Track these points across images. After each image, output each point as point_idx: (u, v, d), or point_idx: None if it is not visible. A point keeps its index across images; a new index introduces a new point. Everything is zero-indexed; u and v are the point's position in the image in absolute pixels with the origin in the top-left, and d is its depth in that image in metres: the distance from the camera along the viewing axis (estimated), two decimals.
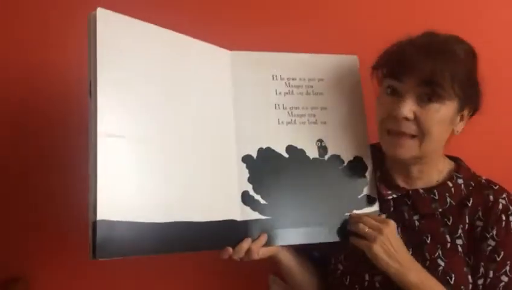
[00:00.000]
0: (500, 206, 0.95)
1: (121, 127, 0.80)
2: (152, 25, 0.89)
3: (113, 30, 0.82)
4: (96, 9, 0.80)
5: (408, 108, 0.90)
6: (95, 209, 0.74)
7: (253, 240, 0.93)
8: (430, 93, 0.90)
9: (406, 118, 0.90)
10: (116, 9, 0.84)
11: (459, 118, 0.95)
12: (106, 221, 0.75)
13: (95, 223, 0.74)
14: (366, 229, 0.92)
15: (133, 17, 0.87)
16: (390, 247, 0.89)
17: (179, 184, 0.87)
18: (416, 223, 0.97)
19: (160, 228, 0.82)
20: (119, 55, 0.82)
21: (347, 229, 0.97)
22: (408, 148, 0.93)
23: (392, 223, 0.92)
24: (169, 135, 0.88)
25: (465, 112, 0.96)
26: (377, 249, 0.89)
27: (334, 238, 0.99)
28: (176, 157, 0.88)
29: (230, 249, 0.90)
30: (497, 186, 0.98)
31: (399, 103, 0.91)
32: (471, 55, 0.94)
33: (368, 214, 0.98)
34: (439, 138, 0.94)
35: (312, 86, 1.05)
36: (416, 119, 0.91)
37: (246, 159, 0.97)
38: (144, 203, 0.81)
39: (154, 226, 0.81)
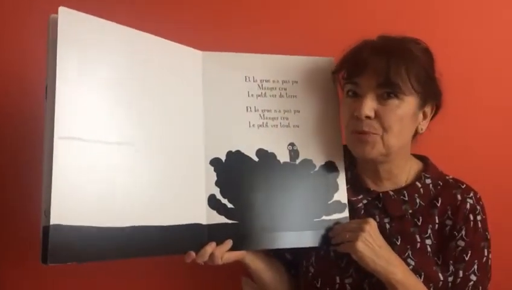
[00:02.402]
0: (468, 206, 0.97)
1: (77, 130, 0.79)
2: (119, 24, 0.88)
3: (75, 30, 0.81)
4: (58, 9, 0.79)
5: (368, 107, 0.91)
6: (47, 213, 0.74)
7: (218, 245, 0.92)
8: (388, 91, 0.91)
9: (368, 117, 0.91)
10: (82, 9, 0.83)
11: (421, 115, 0.96)
12: (59, 225, 0.74)
13: (47, 227, 0.74)
14: (348, 235, 0.92)
15: (100, 17, 0.85)
16: (373, 243, 0.90)
17: (141, 188, 0.86)
18: (387, 225, 0.98)
19: (117, 233, 0.81)
20: (80, 56, 0.81)
21: (327, 238, 0.97)
22: (373, 145, 0.93)
23: (372, 221, 0.93)
24: (133, 137, 0.87)
25: (427, 110, 0.97)
26: (361, 246, 0.89)
27: (302, 244, 0.98)
28: (139, 159, 0.87)
29: (193, 253, 0.89)
30: (464, 185, 1.00)
31: (359, 103, 0.92)
32: (427, 53, 0.96)
33: (348, 222, 0.98)
34: (402, 134, 0.94)
35: (286, 89, 1.03)
36: (378, 117, 0.91)
37: (214, 162, 0.96)
38: (100, 208, 0.80)
39: (110, 231, 0.80)
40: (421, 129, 0.98)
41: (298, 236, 0.97)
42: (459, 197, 0.98)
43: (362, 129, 0.92)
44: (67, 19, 0.79)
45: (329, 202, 1.00)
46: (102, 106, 0.83)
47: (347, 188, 1.01)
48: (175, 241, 0.89)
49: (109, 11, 0.90)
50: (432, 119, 0.99)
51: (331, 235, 0.97)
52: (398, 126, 0.92)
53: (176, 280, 1.24)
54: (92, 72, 0.82)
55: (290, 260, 1.06)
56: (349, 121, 0.95)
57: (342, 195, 1.01)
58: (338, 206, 1.00)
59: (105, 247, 0.80)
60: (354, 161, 1.04)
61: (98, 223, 0.79)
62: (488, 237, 0.98)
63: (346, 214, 1.00)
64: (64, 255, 0.75)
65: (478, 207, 0.98)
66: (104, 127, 0.83)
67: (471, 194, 0.98)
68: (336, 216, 0.99)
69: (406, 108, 0.92)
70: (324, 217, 0.99)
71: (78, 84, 0.80)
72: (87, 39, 0.82)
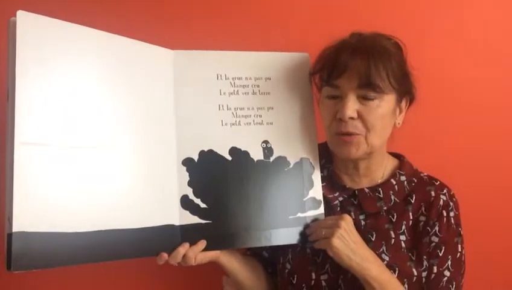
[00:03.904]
0: (441, 202, 0.98)
1: (40, 135, 0.78)
2: (83, 26, 0.87)
3: (36, 33, 0.79)
4: (16, 12, 0.78)
5: (351, 108, 0.91)
6: (10, 220, 0.73)
7: (192, 245, 0.91)
8: (369, 92, 0.91)
9: (351, 118, 0.91)
10: (48, 11, 0.82)
11: (398, 110, 0.98)
12: (22, 233, 0.74)
13: (10, 235, 0.73)
14: (324, 232, 0.92)
15: (68, 20, 0.84)
16: (348, 239, 0.91)
17: (110, 191, 0.85)
18: (362, 222, 0.98)
19: (85, 238, 0.80)
20: (42, 59, 0.80)
21: (303, 235, 0.97)
22: (357, 146, 0.94)
23: (348, 217, 0.93)
24: (102, 139, 0.86)
25: (403, 104, 0.99)
26: (336, 242, 0.90)
27: (277, 242, 0.97)
28: (108, 162, 0.86)
29: (165, 255, 0.89)
30: (438, 182, 1.01)
31: (342, 105, 0.92)
32: (399, 48, 0.97)
33: (324, 219, 0.98)
34: (384, 132, 0.96)
35: (259, 86, 1.02)
36: (361, 117, 0.92)
37: (187, 162, 0.95)
38: (65, 214, 0.79)
39: (78, 236, 0.80)
40: (398, 124, 0.99)
41: (273, 234, 0.97)
42: (432, 193, 0.98)
43: (347, 130, 0.92)
44: (26, 22, 0.78)
45: (304, 199, 1.00)
46: (66, 109, 0.82)
47: (323, 186, 1.01)
48: (147, 244, 0.89)
49: (78, 13, 0.90)
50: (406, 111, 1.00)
51: (307, 232, 0.97)
52: (380, 125, 0.93)
53: (155, 279, 1.24)
54: (55, 74, 0.81)
55: (267, 258, 1.06)
56: (331, 122, 0.95)
57: (317, 192, 1.00)
58: (313, 203, 1.00)
59: (73, 252, 0.79)
60: (330, 159, 1.04)
61: (63, 229, 0.78)
62: (461, 233, 0.99)
63: (321, 210, 0.99)
64: (29, 262, 0.74)
65: (451, 203, 0.98)
66: (68, 130, 0.81)
67: (445, 191, 0.99)
68: (311, 213, 0.99)
69: (386, 106, 0.93)
70: (299, 214, 0.99)
71: (39, 88, 0.79)
72: (49, 42, 0.81)
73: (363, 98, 0.92)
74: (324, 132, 0.99)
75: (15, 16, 0.78)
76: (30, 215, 0.75)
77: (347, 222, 0.92)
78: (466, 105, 1.24)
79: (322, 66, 0.96)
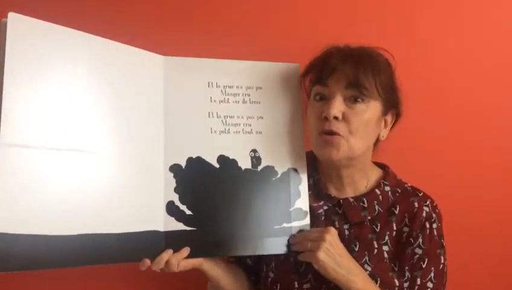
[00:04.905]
0: (424, 214, 0.99)
1: (26, 137, 0.78)
2: (74, 30, 0.87)
3: (25, 36, 0.80)
4: (8, 14, 0.78)
5: (337, 108, 0.93)
6: None
7: (175, 252, 0.91)
8: (356, 95, 0.93)
9: (336, 118, 0.92)
10: (40, 15, 0.82)
11: (383, 122, 0.99)
12: (4, 234, 0.74)
13: None
14: (309, 245, 0.93)
15: (59, 23, 0.85)
16: (334, 252, 0.91)
17: (95, 195, 0.86)
18: (346, 232, 0.99)
19: (69, 241, 0.81)
20: (31, 61, 0.80)
21: (287, 246, 0.98)
22: (338, 148, 0.94)
23: (333, 230, 0.94)
24: (88, 143, 0.86)
25: (389, 118, 1.00)
26: (322, 256, 0.90)
27: (261, 251, 0.98)
28: (95, 166, 0.86)
29: (147, 261, 0.89)
30: (422, 193, 1.02)
31: (328, 104, 0.94)
32: (389, 64, 1.00)
33: (309, 230, 0.98)
34: (366, 139, 0.97)
35: (249, 95, 1.03)
36: (345, 119, 0.93)
37: (174, 168, 0.96)
38: (50, 216, 0.79)
39: (61, 239, 0.80)
40: (382, 137, 1.00)
41: (258, 244, 0.97)
42: (416, 204, 0.99)
43: (330, 128, 0.93)
44: (17, 24, 0.79)
45: (290, 209, 1.00)
46: (53, 112, 0.82)
47: (308, 195, 1.01)
48: (131, 249, 0.89)
49: (69, 16, 0.90)
50: (391, 128, 1.02)
51: (291, 243, 0.97)
52: (364, 130, 0.94)
53: (138, 284, 1.23)
54: (43, 77, 0.81)
55: (250, 266, 1.06)
56: (316, 123, 0.96)
57: (303, 202, 1.01)
58: (299, 214, 1.00)
59: (55, 255, 0.79)
60: (316, 168, 1.05)
61: (46, 232, 0.78)
62: (444, 244, 1.00)
63: (307, 221, 1.00)
64: (11, 264, 0.75)
65: (434, 215, 0.99)
66: (55, 134, 0.82)
67: (428, 202, 1.00)
68: (296, 223, 0.99)
69: (371, 113, 0.95)
70: (285, 225, 0.99)
71: (26, 90, 0.79)
72: (38, 45, 0.81)
73: (350, 101, 0.94)
74: (310, 137, 1.00)
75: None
76: (12, 217, 0.75)
77: (332, 235, 0.93)
78: (453, 116, 1.25)
79: (313, 67, 0.99)
